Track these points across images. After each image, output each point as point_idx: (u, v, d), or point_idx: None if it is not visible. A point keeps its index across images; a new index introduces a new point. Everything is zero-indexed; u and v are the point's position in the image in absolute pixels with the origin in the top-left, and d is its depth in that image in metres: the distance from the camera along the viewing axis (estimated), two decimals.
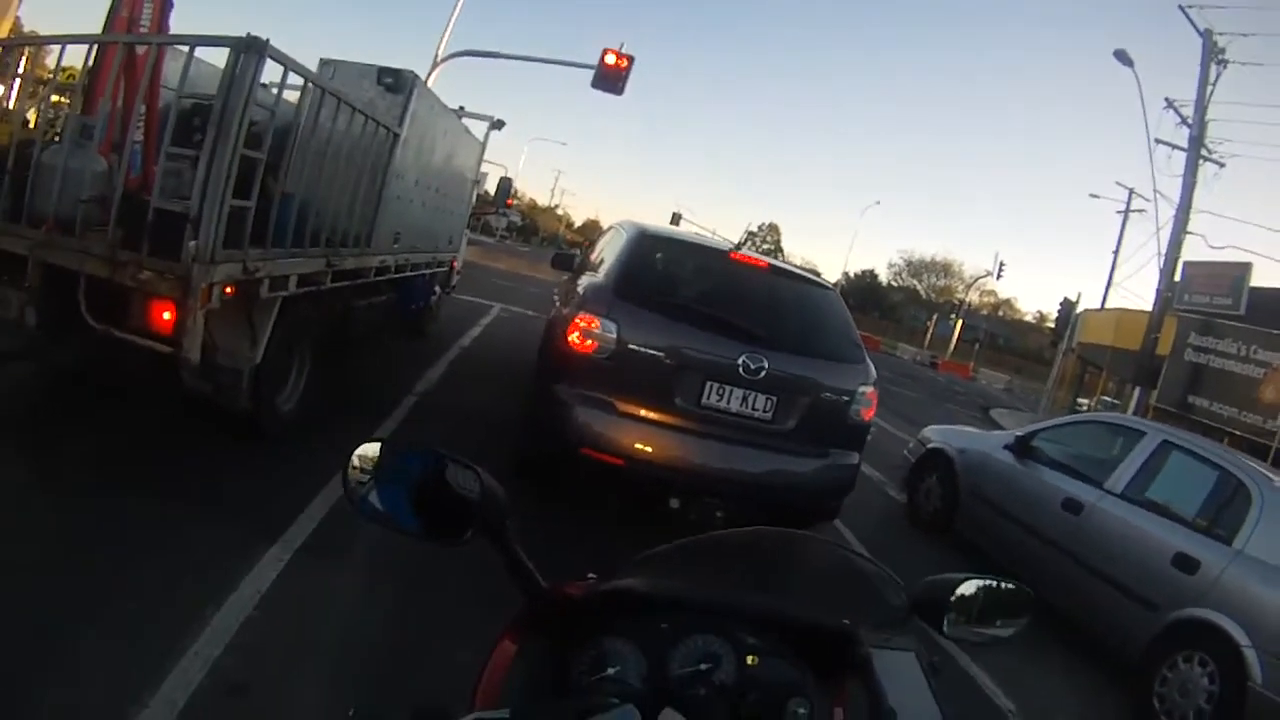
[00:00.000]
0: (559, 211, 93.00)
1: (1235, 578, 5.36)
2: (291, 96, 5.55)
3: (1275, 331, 17.17)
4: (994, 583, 1.72)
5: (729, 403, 5.46)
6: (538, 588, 1.54)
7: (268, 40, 4.42)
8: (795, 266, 8.11)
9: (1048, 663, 5.90)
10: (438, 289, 11.13)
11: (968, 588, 1.66)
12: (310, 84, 5.31)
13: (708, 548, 1.85)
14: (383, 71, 6.92)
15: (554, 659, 1.51)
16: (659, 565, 1.76)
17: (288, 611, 3.72)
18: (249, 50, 4.38)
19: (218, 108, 4.37)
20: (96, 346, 4.71)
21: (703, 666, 1.53)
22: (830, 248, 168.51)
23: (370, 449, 1.52)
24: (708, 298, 5.96)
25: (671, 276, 6.19)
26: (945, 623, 1.62)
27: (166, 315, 4.48)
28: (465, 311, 14.32)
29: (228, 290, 4.62)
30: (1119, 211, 33.11)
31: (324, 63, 7.00)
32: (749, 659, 1.55)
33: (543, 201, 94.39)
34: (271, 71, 4.78)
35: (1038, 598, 5.18)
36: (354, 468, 1.51)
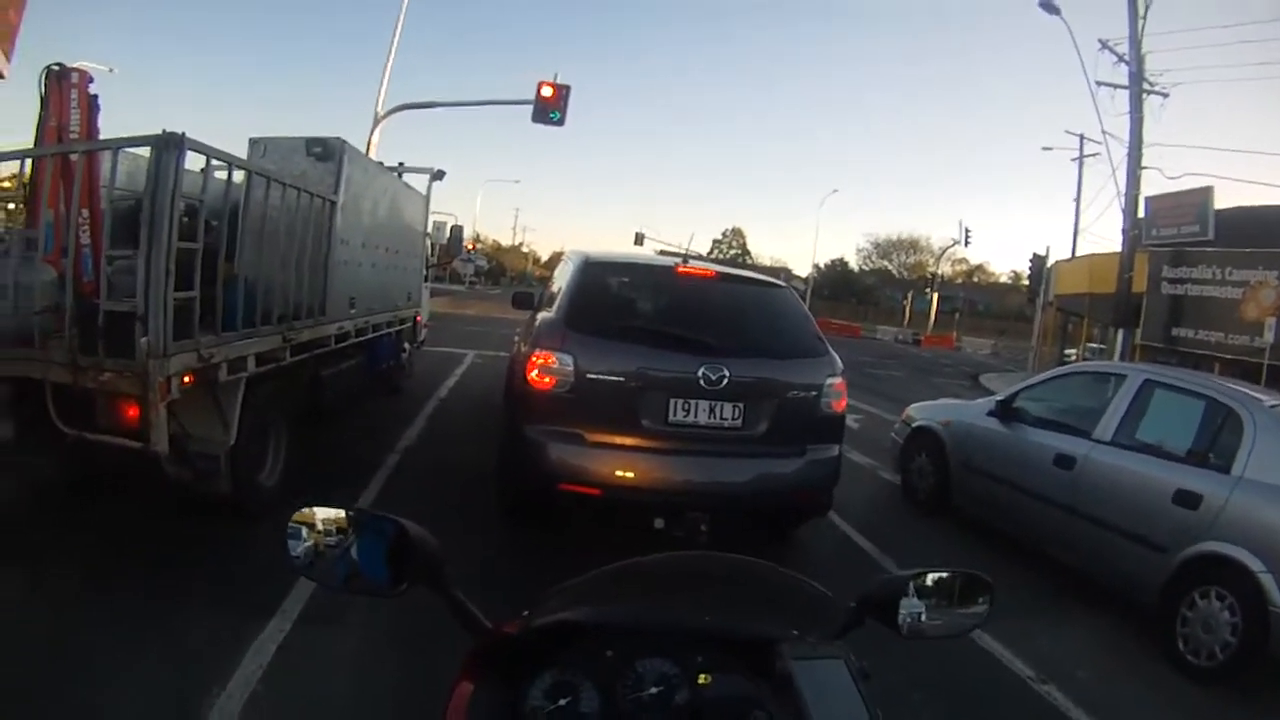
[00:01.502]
0: (524, 249, 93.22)
1: (1240, 506, 5.36)
2: (233, 175, 5.61)
3: (1247, 250, 17.32)
4: (947, 574, 1.74)
5: (696, 416, 5.51)
6: (482, 628, 1.59)
7: (184, 134, 4.51)
8: (747, 270, 8.21)
9: (1061, 621, 5.92)
10: (407, 345, 11.16)
11: (920, 582, 1.68)
12: (233, 169, 5.41)
13: (630, 573, 1.89)
14: (311, 142, 7.00)
15: (510, 695, 1.52)
16: (586, 595, 1.78)
17: (294, 683, 3.78)
18: (168, 146, 4.47)
19: (146, 206, 4.45)
20: (73, 450, 4.75)
21: (654, 690, 1.54)
22: (797, 243, 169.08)
23: (307, 514, 1.58)
24: (660, 316, 6.06)
25: (622, 300, 6.25)
26: (900, 621, 1.64)
27: (132, 412, 4.55)
28: (439, 363, 14.38)
29: (186, 380, 4.70)
30: (1074, 159, 33.55)
31: (254, 142, 7.04)
32: (700, 678, 1.57)
33: (506, 241, 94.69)
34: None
35: (1045, 556, 5.39)
36: (310, 533, 1.58)
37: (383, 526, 1.56)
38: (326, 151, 6.98)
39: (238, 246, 5.46)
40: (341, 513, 1.58)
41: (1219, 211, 19.77)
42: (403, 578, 1.53)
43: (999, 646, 5.29)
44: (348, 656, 4.00)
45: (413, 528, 1.55)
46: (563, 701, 1.49)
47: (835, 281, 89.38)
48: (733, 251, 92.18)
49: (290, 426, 6.34)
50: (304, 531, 1.57)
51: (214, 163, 5.19)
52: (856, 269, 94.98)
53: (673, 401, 5.48)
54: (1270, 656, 5.02)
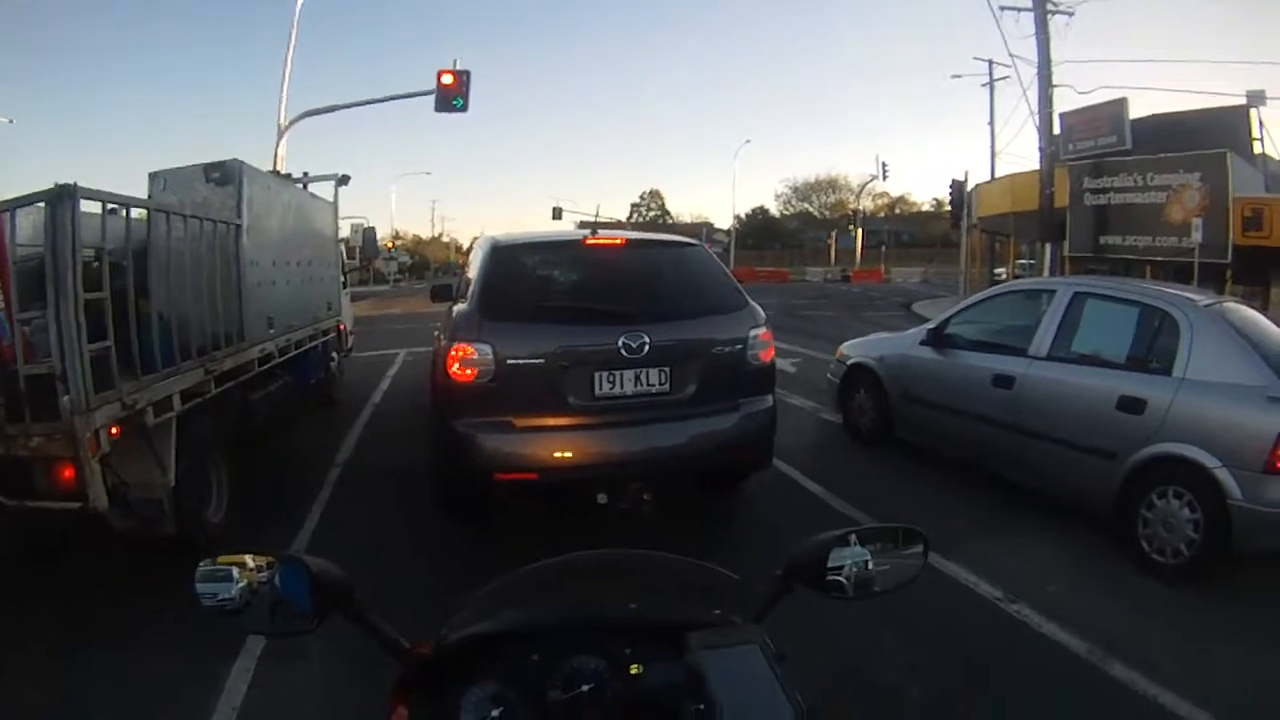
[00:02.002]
0: (444, 239, 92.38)
1: (1186, 406, 5.47)
2: (134, 215, 5.50)
3: (1167, 155, 17.80)
4: (876, 528, 1.69)
5: (623, 387, 5.50)
6: (401, 649, 1.56)
7: (75, 184, 4.39)
8: (659, 233, 8.19)
9: (1021, 540, 6.02)
10: (335, 355, 11.07)
11: (847, 540, 1.63)
12: (129, 210, 5.29)
13: (541, 574, 1.88)
14: (209, 168, 6.86)
15: (443, 712, 1.50)
16: (499, 601, 1.77)
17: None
18: (60, 200, 4.35)
19: (49, 261, 4.34)
20: (19, 518, 4.67)
21: (586, 689, 1.52)
22: (717, 197, 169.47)
23: (233, 559, 1.56)
24: (574, 291, 6.02)
25: (534, 281, 6.18)
26: (845, 575, 1.61)
27: (67, 473, 4.45)
28: (370, 367, 14.26)
29: (114, 431, 4.61)
30: (984, 85, 34.12)
31: (153, 177, 6.85)
32: (632, 669, 1.54)
33: (427, 234, 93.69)
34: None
35: (996, 477, 5.64)
36: (243, 572, 1.55)
37: (291, 562, 1.54)
38: (225, 175, 6.86)
39: (149, 286, 5.36)
40: (259, 555, 1.56)
41: (1135, 121, 20.16)
42: (320, 611, 1.52)
43: (964, 572, 5.39)
44: (317, 686, 3.98)
45: (315, 561, 1.53)
46: (495, 713, 1.48)
47: (758, 230, 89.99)
48: (652, 213, 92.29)
49: (228, 458, 6.25)
50: (235, 573, 1.55)
51: (112, 205, 5.07)
52: (778, 215, 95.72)
53: (597, 375, 5.46)
54: (1234, 549, 5.17)
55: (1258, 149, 19.53)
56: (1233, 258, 16.35)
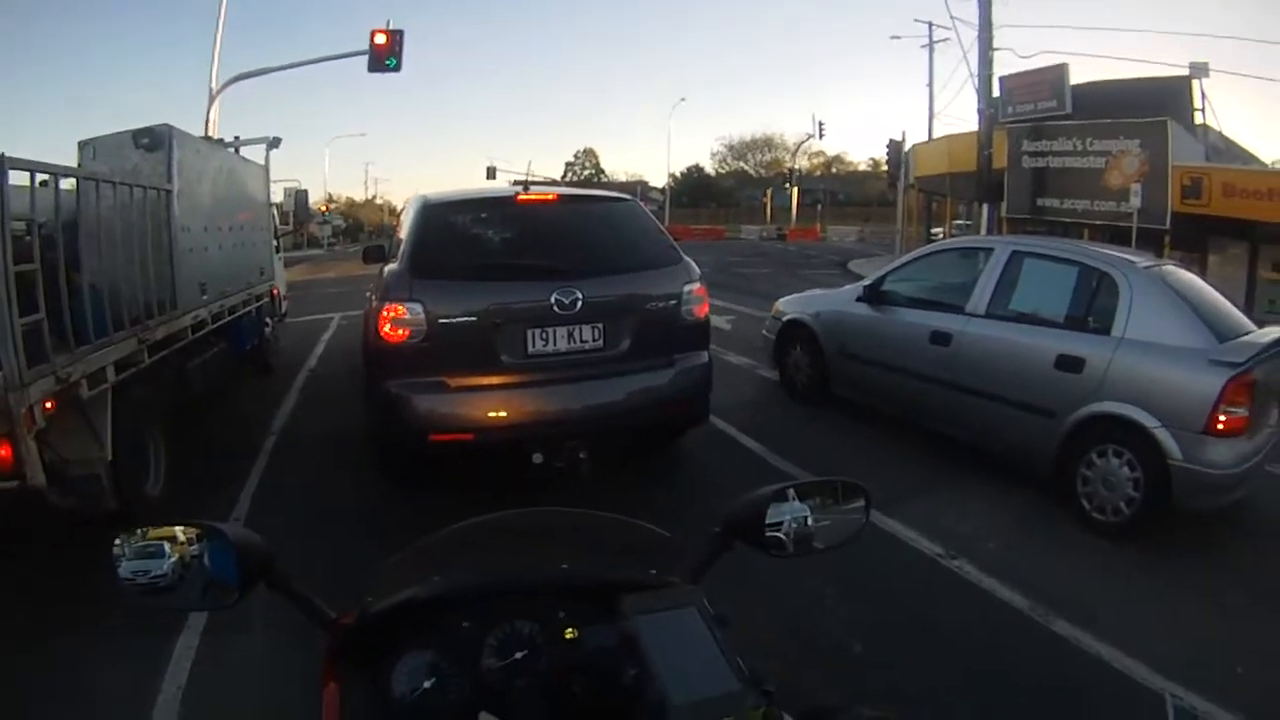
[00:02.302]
0: (378, 201, 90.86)
1: (1125, 365, 5.53)
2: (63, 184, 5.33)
3: (1108, 121, 18.03)
4: (815, 482, 1.67)
5: (556, 344, 5.47)
6: (327, 619, 1.51)
7: (3, 155, 4.25)
8: (591, 189, 8.10)
9: (961, 497, 6.07)
10: (269, 321, 10.95)
11: (785, 496, 1.60)
12: (58, 179, 5.12)
13: (466, 536, 1.84)
14: (137, 134, 6.72)
15: (376, 684, 1.47)
16: (423, 565, 1.72)
17: (217, 697, 3.73)
18: None
19: None
20: None
21: (518, 655, 1.49)
22: (652, 156, 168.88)
23: (164, 532, 1.49)
24: (505, 248, 5.94)
25: (465, 238, 6.07)
26: (784, 531, 1.58)
27: (3, 452, 4.35)
28: (305, 332, 14.10)
29: (49, 406, 4.51)
30: (923, 46, 34.42)
31: (82, 145, 6.78)
32: (567, 633, 1.50)
33: (361, 197, 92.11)
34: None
35: (935, 434, 5.77)
36: (174, 547, 1.48)
37: (213, 533, 1.47)
38: (155, 141, 6.72)
39: (80, 256, 5.23)
40: (187, 527, 1.50)
41: (1075, 87, 20.30)
42: (243, 583, 1.45)
43: (904, 529, 5.46)
44: (262, 660, 3.90)
45: (235, 531, 1.48)
46: (427, 684, 1.45)
47: (693, 188, 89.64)
48: (587, 172, 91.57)
49: (165, 429, 6.16)
50: (167, 548, 1.48)
51: (42, 176, 4.94)
52: (714, 173, 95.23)
53: (530, 333, 5.42)
54: (1174, 508, 5.28)
55: (1199, 120, 19.91)
56: (1171, 225, 16.64)
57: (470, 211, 6.42)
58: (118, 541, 1.48)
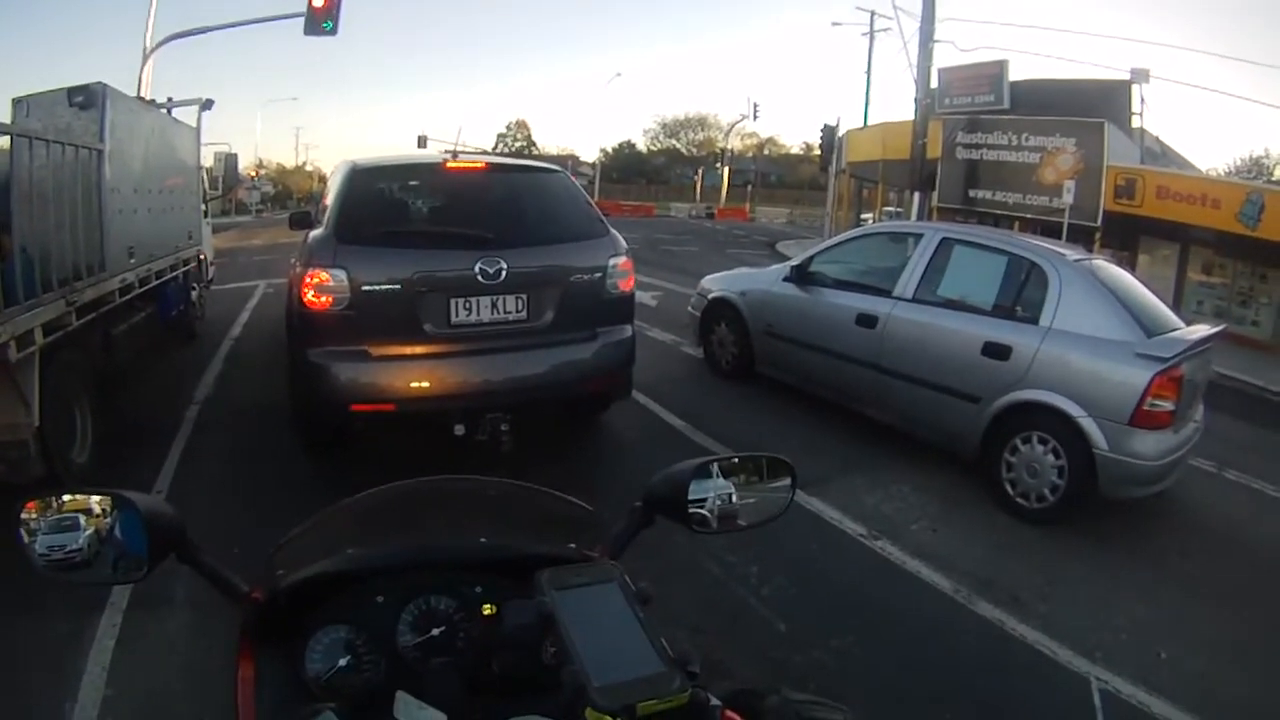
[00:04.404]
0: (308, 168, 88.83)
1: (1052, 354, 5.63)
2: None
3: (1045, 118, 18.27)
4: (736, 460, 1.64)
5: (479, 314, 5.42)
6: (240, 594, 1.46)
7: None
8: (523, 156, 8.02)
9: (885, 479, 6.16)
10: (195, 287, 10.77)
11: (709, 471, 1.58)
12: None
13: (376, 506, 1.81)
14: (72, 92, 6.59)
15: (290, 661, 1.44)
16: (332, 536, 1.69)
17: (142, 674, 3.67)
18: None
19: None
20: None
21: (435, 633, 1.47)
22: (584, 130, 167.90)
23: (77, 501, 1.42)
24: (431, 215, 5.94)
25: (391, 205, 6.05)
26: (708, 509, 1.56)
27: None
28: (230, 300, 13.80)
29: None
30: (864, 34, 34.63)
31: (16, 103, 6.65)
32: (485, 609, 1.47)
33: (291, 163, 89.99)
34: None
35: (860, 415, 5.85)
36: (89, 519, 1.41)
37: (122, 503, 1.40)
38: (89, 99, 6.58)
39: (11, 215, 5.10)
40: (99, 495, 1.42)
41: (1014, 83, 20.57)
42: (153, 554, 1.38)
43: (828, 509, 5.54)
44: (186, 635, 3.89)
45: (145, 500, 1.40)
46: (343, 662, 1.43)
47: (625, 164, 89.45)
48: (518, 143, 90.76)
49: (91, 395, 6.05)
50: (81, 520, 1.40)
51: None
52: (645, 150, 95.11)
53: (453, 302, 5.37)
54: (1098, 496, 5.43)
55: (1136, 123, 20.31)
56: (1103, 223, 16.95)
57: (398, 178, 6.38)
58: (29, 515, 1.40)
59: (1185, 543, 5.63)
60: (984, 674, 3.98)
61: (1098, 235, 16.87)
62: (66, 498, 1.43)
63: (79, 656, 3.76)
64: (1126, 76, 20.32)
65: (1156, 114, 60.41)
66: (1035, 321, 5.88)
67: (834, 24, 50.84)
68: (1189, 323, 6.28)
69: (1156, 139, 21.33)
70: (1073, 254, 6.40)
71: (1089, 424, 5.43)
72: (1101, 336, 5.59)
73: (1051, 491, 5.59)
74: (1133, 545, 5.48)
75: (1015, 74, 20.79)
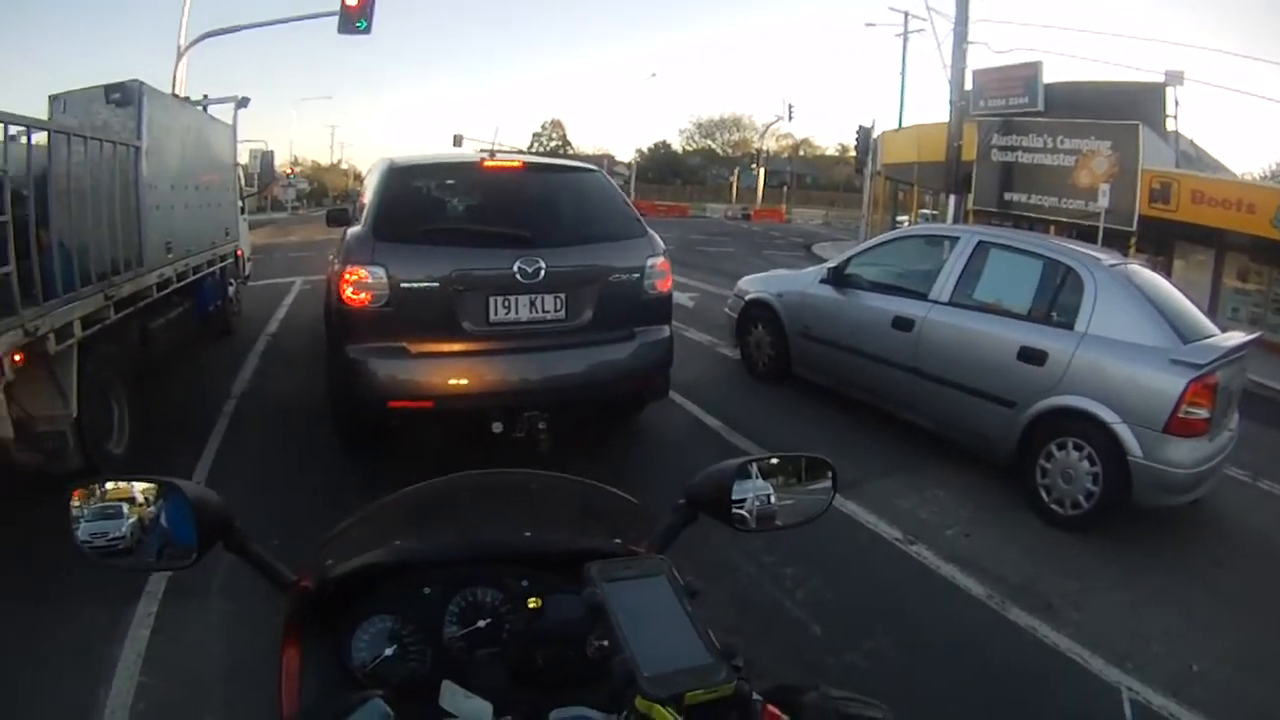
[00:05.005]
0: (343, 166, 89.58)
1: (1087, 360, 5.56)
2: (34, 139, 5.28)
3: (1080, 120, 17.96)
4: (777, 459, 1.65)
5: (518, 313, 5.43)
6: (286, 581, 1.47)
7: None
8: (558, 156, 8.05)
9: (921, 482, 6.11)
10: (232, 282, 10.86)
11: (748, 473, 1.59)
12: (30, 132, 5.09)
13: (427, 499, 1.82)
14: (109, 89, 6.67)
15: (336, 649, 1.45)
16: (383, 528, 1.71)
17: (177, 662, 3.70)
18: None
19: None
20: None
21: (481, 624, 1.48)
22: (620, 130, 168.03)
23: (122, 489, 1.44)
24: (469, 214, 5.94)
25: (429, 203, 6.07)
26: (747, 509, 1.56)
27: None
28: (266, 296, 13.90)
29: (17, 358, 4.48)
30: (898, 35, 34.33)
31: (53, 99, 6.71)
32: (530, 603, 1.49)
33: (326, 161, 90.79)
34: None
35: (896, 419, 5.81)
36: (132, 508, 1.43)
37: (171, 492, 1.42)
38: (126, 96, 6.66)
39: (49, 210, 5.17)
40: (146, 483, 1.44)
41: (1048, 85, 20.29)
42: (201, 543, 1.39)
43: (863, 512, 5.51)
44: (222, 625, 3.93)
45: (193, 489, 1.41)
46: (389, 651, 1.44)
47: (660, 164, 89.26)
48: (554, 143, 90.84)
49: (128, 387, 6.13)
50: (125, 509, 1.42)
51: (14, 129, 4.85)
52: (681, 150, 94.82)
53: (492, 300, 5.37)
54: (1132, 503, 5.35)
55: (1171, 126, 19.99)
56: (1138, 227, 16.68)
57: (436, 176, 6.39)
58: (75, 502, 1.42)
59: (1218, 552, 5.55)
60: (1016, 680, 3.96)
61: (1133, 240, 16.61)
62: (110, 485, 1.44)
63: (114, 644, 3.80)
64: (1161, 79, 20.02)
65: (1191, 117, 59.65)
66: (1071, 326, 5.82)
67: (868, 25, 50.72)
68: (1224, 329, 6.21)
69: (1191, 142, 21.06)
70: (1108, 258, 6.34)
71: (1124, 430, 5.37)
72: (1137, 342, 5.53)
73: (1086, 498, 5.52)
74: (1166, 554, 5.42)
75: (1049, 76, 20.55)
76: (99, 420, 5.58)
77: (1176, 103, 19.70)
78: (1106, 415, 5.43)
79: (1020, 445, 5.91)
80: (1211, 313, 6.58)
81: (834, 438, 7.08)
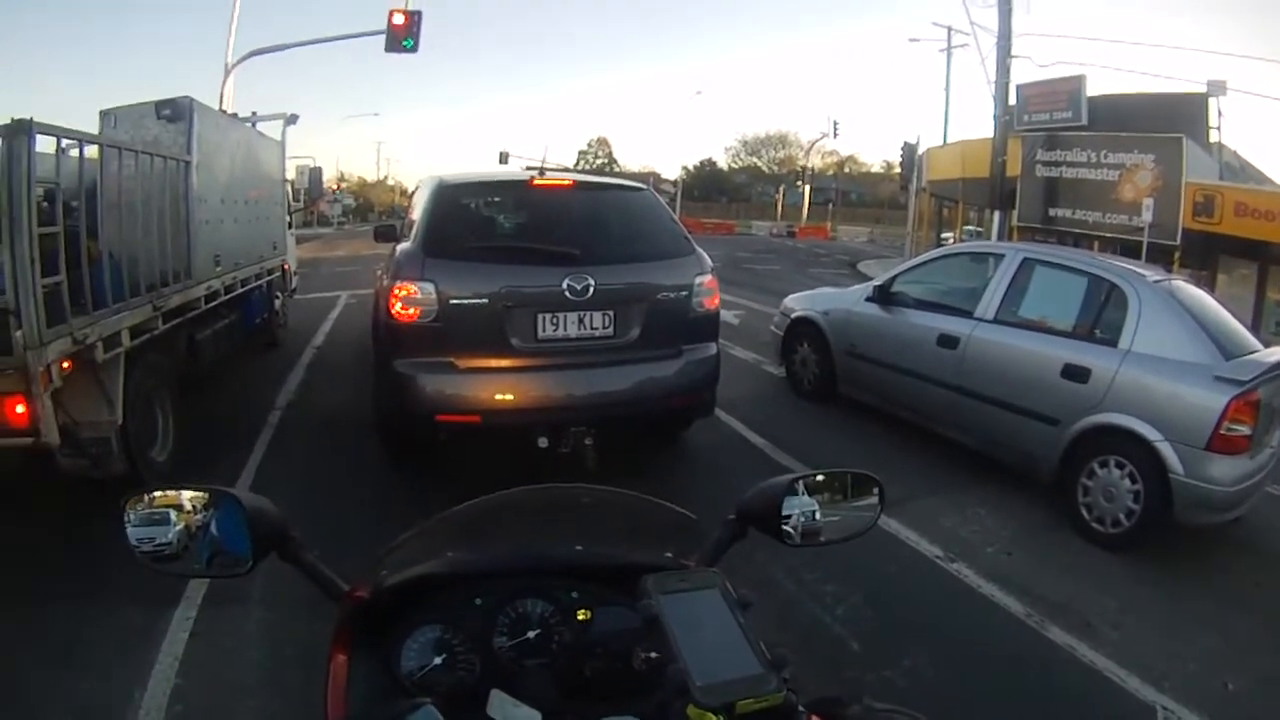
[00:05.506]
0: (389, 182, 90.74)
1: (1131, 378, 5.53)
2: (86, 152, 5.43)
3: (1123, 134, 17.83)
4: (831, 474, 1.66)
5: (566, 329, 5.45)
6: (340, 592, 1.49)
7: (32, 119, 4.33)
8: (606, 175, 8.10)
9: (963, 500, 6.08)
10: (279, 295, 11.00)
11: (800, 487, 1.60)
12: (82, 145, 5.23)
13: (482, 513, 1.82)
14: (160, 105, 6.81)
15: (386, 659, 1.46)
16: (438, 541, 1.71)
17: (213, 667, 3.75)
18: (16, 134, 4.28)
19: (3, 197, 4.26)
20: None
21: (530, 635, 1.49)
22: (666, 148, 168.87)
23: (170, 497, 1.45)
24: (519, 231, 5.96)
25: (479, 220, 6.13)
26: (793, 525, 1.57)
27: (19, 409, 4.41)
28: (312, 310, 14.09)
29: (65, 365, 4.59)
30: (941, 50, 34.30)
31: (104, 114, 6.86)
32: (580, 615, 1.51)
33: (372, 177, 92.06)
34: None
35: (940, 437, 5.70)
36: (180, 515, 1.44)
37: (225, 500, 1.43)
38: (176, 112, 6.80)
39: (99, 222, 5.28)
40: (197, 491, 1.45)
41: (1091, 99, 20.20)
42: (256, 551, 1.41)
43: (905, 530, 5.49)
44: (260, 632, 3.98)
45: (249, 498, 1.44)
46: (438, 660, 1.45)
47: (705, 181, 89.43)
48: (599, 161, 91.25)
49: (173, 396, 6.23)
50: (172, 515, 1.44)
51: (66, 142, 4.98)
52: (726, 168, 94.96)
53: (540, 317, 5.40)
54: (1174, 522, 5.29)
55: (1214, 138, 19.81)
56: (1182, 241, 16.56)
57: (485, 194, 6.44)
58: (127, 508, 1.44)
59: (1259, 572, 5.48)
60: (1053, 699, 3.92)
61: (1176, 254, 16.46)
62: (158, 493, 1.46)
63: (151, 647, 3.85)
64: (1203, 89, 19.74)
65: (1235, 127, 58.76)
66: (1114, 344, 5.78)
67: (911, 40, 50.43)
68: (1267, 344, 6.13)
69: (1235, 153, 20.88)
70: (1152, 274, 6.31)
71: (1165, 448, 5.31)
72: (1179, 359, 5.48)
73: (1127, 516, 5.47)
74: (1206, 573, 5.36)
75: (1092, 89, 20.39)
76: (144, 428, 5.67)
77: (1219, 113, 19.60)
78: (1148, 433, 5.38)
79: (1062, 463, 5.86)
80: (1255, 327, 6.46)
81: (878, 456, 7.04)
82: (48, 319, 4.44)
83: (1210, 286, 13.40)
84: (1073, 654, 4.27)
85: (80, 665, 3.71)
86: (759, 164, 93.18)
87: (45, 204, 4.70)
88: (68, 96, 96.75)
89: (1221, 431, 5.14)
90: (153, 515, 1.44)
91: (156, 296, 5.92)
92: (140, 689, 3.55)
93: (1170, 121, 18.02)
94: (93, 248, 5.21)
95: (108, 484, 4.91)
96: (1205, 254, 17.08)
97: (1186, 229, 16.55)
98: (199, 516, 1.43)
